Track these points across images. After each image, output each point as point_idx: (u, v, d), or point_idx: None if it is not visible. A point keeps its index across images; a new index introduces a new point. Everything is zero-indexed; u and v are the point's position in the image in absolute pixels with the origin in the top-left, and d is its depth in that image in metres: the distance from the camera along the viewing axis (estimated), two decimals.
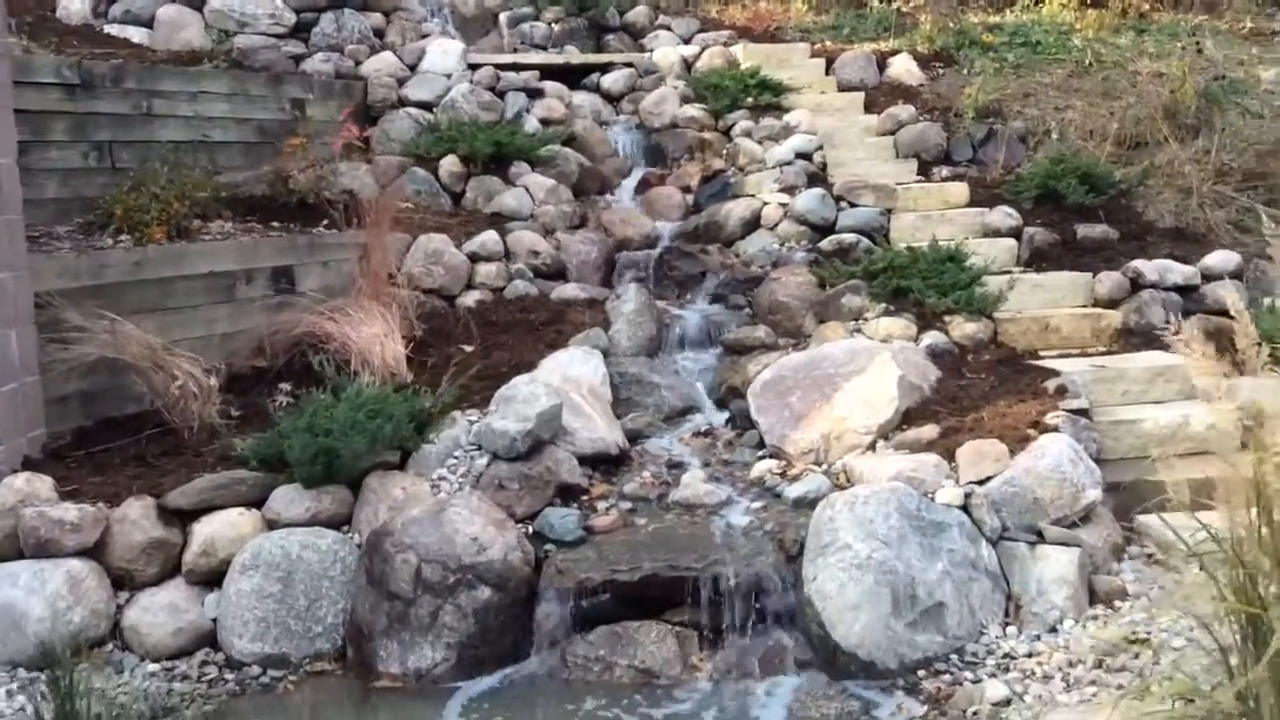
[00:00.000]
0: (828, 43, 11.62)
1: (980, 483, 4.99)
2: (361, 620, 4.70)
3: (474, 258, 7.69)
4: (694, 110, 9.89)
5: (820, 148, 9.21)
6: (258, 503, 5.07)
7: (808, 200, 8.16)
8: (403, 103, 9.65)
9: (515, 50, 11.80)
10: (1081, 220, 8.22)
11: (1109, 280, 7.17)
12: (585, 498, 5.27)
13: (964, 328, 6.77)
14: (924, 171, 9.29)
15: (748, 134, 9.50)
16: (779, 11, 13.22)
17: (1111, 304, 7.13)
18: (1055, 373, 6.09)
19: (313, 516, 5.00)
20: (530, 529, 5.02)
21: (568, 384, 5.75)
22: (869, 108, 10.07)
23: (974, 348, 6.72)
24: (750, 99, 9.90)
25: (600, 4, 11.94)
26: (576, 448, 5.44)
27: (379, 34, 10.62)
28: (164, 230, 6.42)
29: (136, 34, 9.80)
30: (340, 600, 4.83)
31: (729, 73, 10.22)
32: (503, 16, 12.28)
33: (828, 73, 10.72)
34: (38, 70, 7.07)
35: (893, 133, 9.61)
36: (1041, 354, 6.73)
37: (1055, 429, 5.38)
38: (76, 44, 8.82)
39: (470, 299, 7.56)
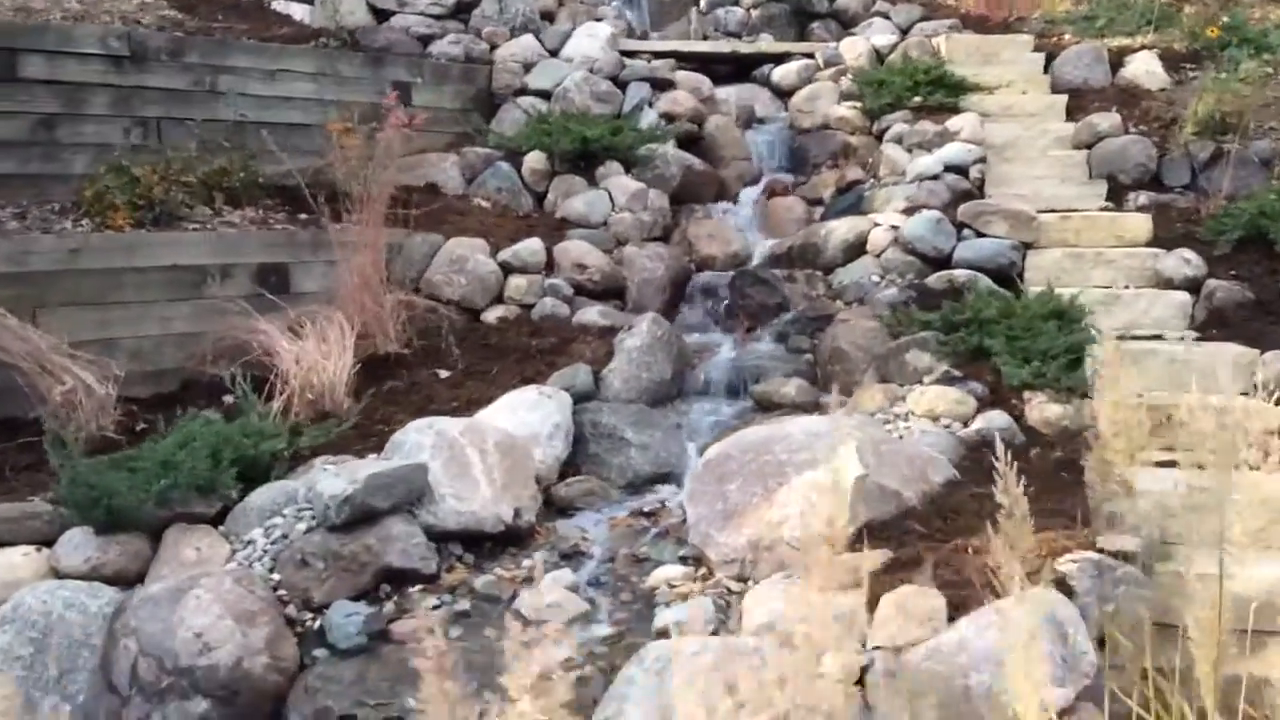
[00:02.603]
0: (1067, 35, 9.72)
1: (896, 650, 3.49)
2: (87, 711, 3.88)
3: (507, 268, 6.72)
4: (846, 110, 8.41)
5: (982, 160, 7.51)
6: (52, 542, 4.36)
7: (918, 225, 6.58)
8: (524, 91, 8.80)
9: (706, 38, 10.74)
10: None
11: (1277, 363, 5.18)
12: (420, 588, 4.18)
13: (1045, 410, 5.06)
14: (1116, 196, 7.39)
15: (898, 139, 7.93)
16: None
17: (1275, 396, 5.15)
18: (1130, 490, 4.35)
19: (93, 569, 4.20)
20: (319, 624, 4.01)
21: (469, 435, 4.67)
22: (1071, 114, 8.19)
23: (1053, 439, 5.00)
24: (918, 98, 8.28)
25: None
26: (436, 520, 4.36)
27: (548, 17, 9.83)
28: (128, 215, 5.88)
29: (299, 10, 9.47)
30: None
31: (900, 67, 8.64)
32: (703, 1, 11.25)
33: (1045, 70, 8.88)
34: (79, 40, 6.75)
35: (1089, 146, 7.74)
36: (1152, 457, 4.92)
37: (1062, 581, 3.75)
38: (221, 17, 8.58)
39: (495, 314, 6.59)
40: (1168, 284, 6.22)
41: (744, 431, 4.57)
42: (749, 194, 8.21)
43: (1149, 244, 6.61)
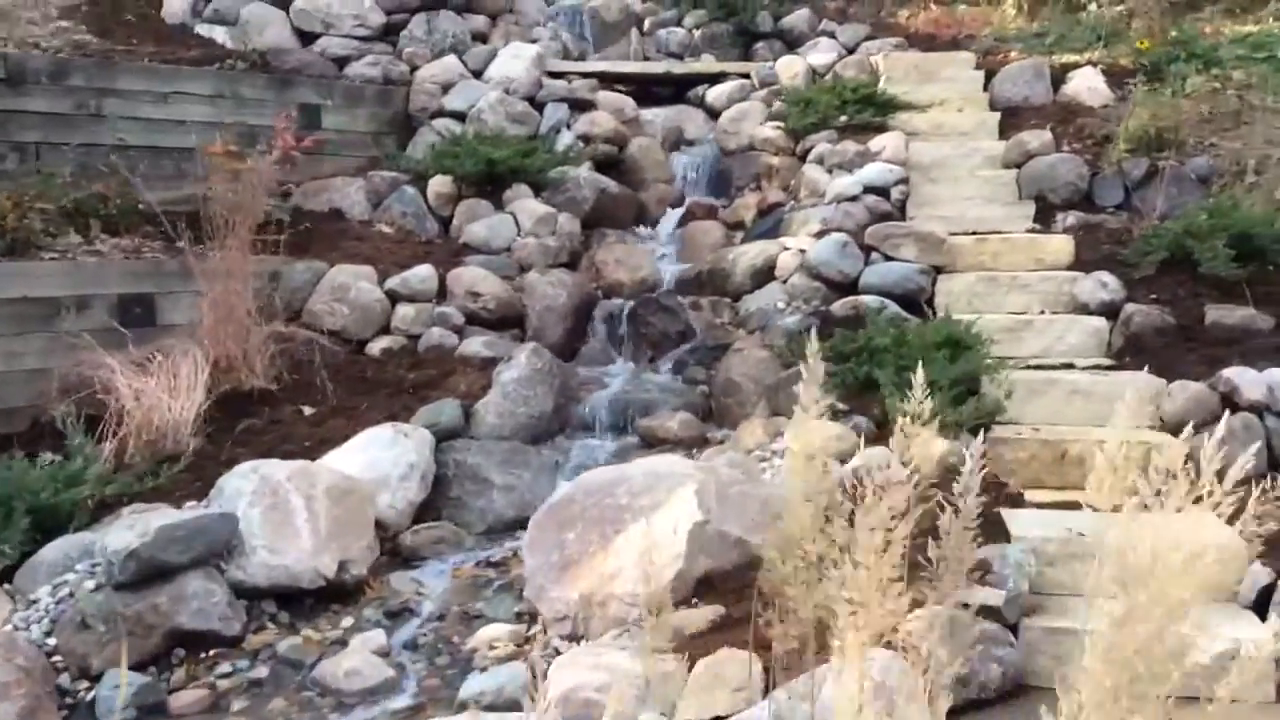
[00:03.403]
0: (1014, 53, 9.38)
1: None
2: None
3: (394, 296, 6.36)
4: (770, 130, 8.07)
5: (903, 180, 7.16)
6: None
7: (824, 249, 6.21)
8: (441, 113, 8.48)
9: (647, 59, 10.44)
10: (1221, 297, 5.78)
11: (1183, 394, 4.78)
12: (217, 652, 3.80)
13: (929, 447, 4.66)
14: (1044, 217, 7.02)
15: (820, 160, 7.58)
16: (983, 17, 11.02)
17: (1181, 430, 4.75)
18: (1006, 536, 3.99)
19: None
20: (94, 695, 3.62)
21: (296, 480, 4.30)
22: (1005, 132, 7.84)
23: (936, 478, 4.61)
24: (844, 117, 7.94)
25: (748, 8, 10.31)
26: (246, 576, 3.99)
27: (480, 39, 9.53)
28: None
29: (221, 33, 9.14)
30: None
31: (829, 86, 8.30)
32: (647, 22, 10.96)
33: (985, 88, 8.54)
34: None
35: (1019, 165, 7.39)
36: (1036, 499, 4.54)
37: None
38: (136, 41, 8.29)
39: (380, 345, 6.23)
40: (1084, 309, 5.85)
41: (591, 473, 4.19)
42: (670, 218, 7.86)
43: (1070, 267, 6.25)
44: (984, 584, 3.72)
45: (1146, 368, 5.18)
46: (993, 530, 4.08)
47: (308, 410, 5.50)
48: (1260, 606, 3.73)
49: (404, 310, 6.28)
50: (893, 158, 7.34)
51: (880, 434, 4.86)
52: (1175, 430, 4.71)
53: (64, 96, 6.86)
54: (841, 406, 5.00)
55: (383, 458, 4.74)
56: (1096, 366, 5.36)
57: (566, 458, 5.29)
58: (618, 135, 8.17)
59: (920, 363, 4.74)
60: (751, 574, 3.73)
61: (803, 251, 6.38)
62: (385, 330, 6.33)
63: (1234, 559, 3.69)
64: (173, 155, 7.13)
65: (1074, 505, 4.35)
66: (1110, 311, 5.76)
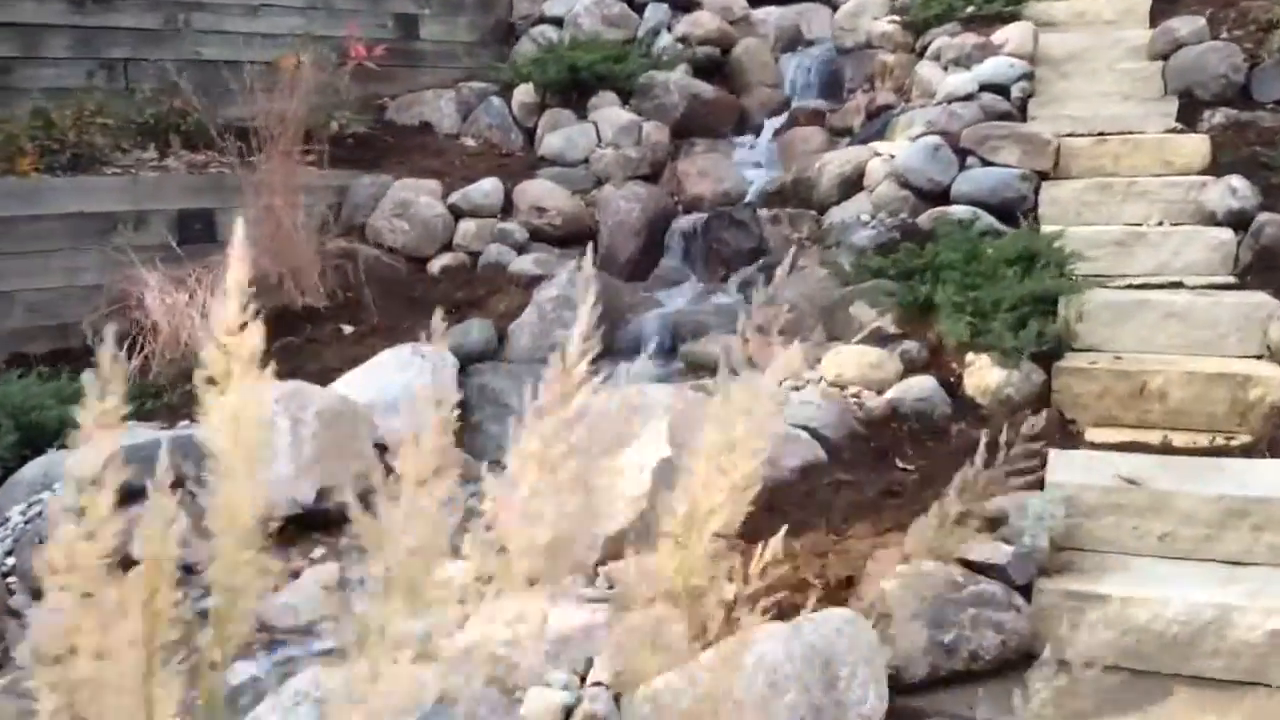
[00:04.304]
0: None
1: (616, 690, 2.75)
2: None
3: (457, 212, 6.11)
4: (888, 24, 7.36)
5: (1027, 76, 6.38)
6: None
7: (913, 154, 5.57)
8: (543, 19, 8.12)
9: None
10: None
11: None
12: (178, 579, 3.66)
13: (984, 376, 4.09)
14: (1190, 115, 6.12)
15: (937, 57, 6.85)
16: None
17: None
18: (1036, 480, 3.43)
19: None
20: None
21: (286, 402, 4.11)
22: (1157, 20, 6.89)
23: (989, 411, 4.04)
24: (971, 6, 7.15)
25: None
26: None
27: None
28: (36, 161, 5.56)
29: None
30: None
31: None
32: None
33: None
34: None
35: (1165, 56, 6.47)
36: (1101, 439, 3.90)
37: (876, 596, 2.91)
38: None
39: (441, 263, 6.01)
40: (1210, 219, 5.05)
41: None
42: (772, 125, 7.30)
43: (1205, 171, 5.40)
44: (998, 539, 3.19)
45: (1271, 289, 4.45)
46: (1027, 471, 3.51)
47: (348, 329, 5.33)
48: None
49: (465, 226, 6.03)
50: (1016, 51, 6.55)
51: (934, 361, 4.33)
52: None
53: (152, 10, 6.82)
54: (894, 330, 4.46)
55: (395, 380, 4.50)
56: (1211, 285, 4.60)
57: (608, 380, 4.91)
58: (722, 36, 7.62)
59: (991, 281, 4.21)
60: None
61: (893, 158, 5.75)
62: (448, 247, 6.09)
63: None
64: (260, 69, 7.01)
65: (1146, 447, 3.74)
66: (1241, 222, 4.95)
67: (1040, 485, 3.43)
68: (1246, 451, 3.67)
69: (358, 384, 4.50)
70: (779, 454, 3.58)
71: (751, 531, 3.14)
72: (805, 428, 3.81)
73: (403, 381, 4.55)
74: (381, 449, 4.35)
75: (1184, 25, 6.45)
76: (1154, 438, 3.84)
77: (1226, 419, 3.90)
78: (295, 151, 5.63)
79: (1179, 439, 3.83)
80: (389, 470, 3.71)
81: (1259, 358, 4.09)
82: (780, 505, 3.42)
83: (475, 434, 4.64)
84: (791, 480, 3.54)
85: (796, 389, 4.29)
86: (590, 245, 5.98)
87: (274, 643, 3.36)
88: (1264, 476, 3.37)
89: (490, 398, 4.69)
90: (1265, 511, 3.22)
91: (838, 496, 3.44)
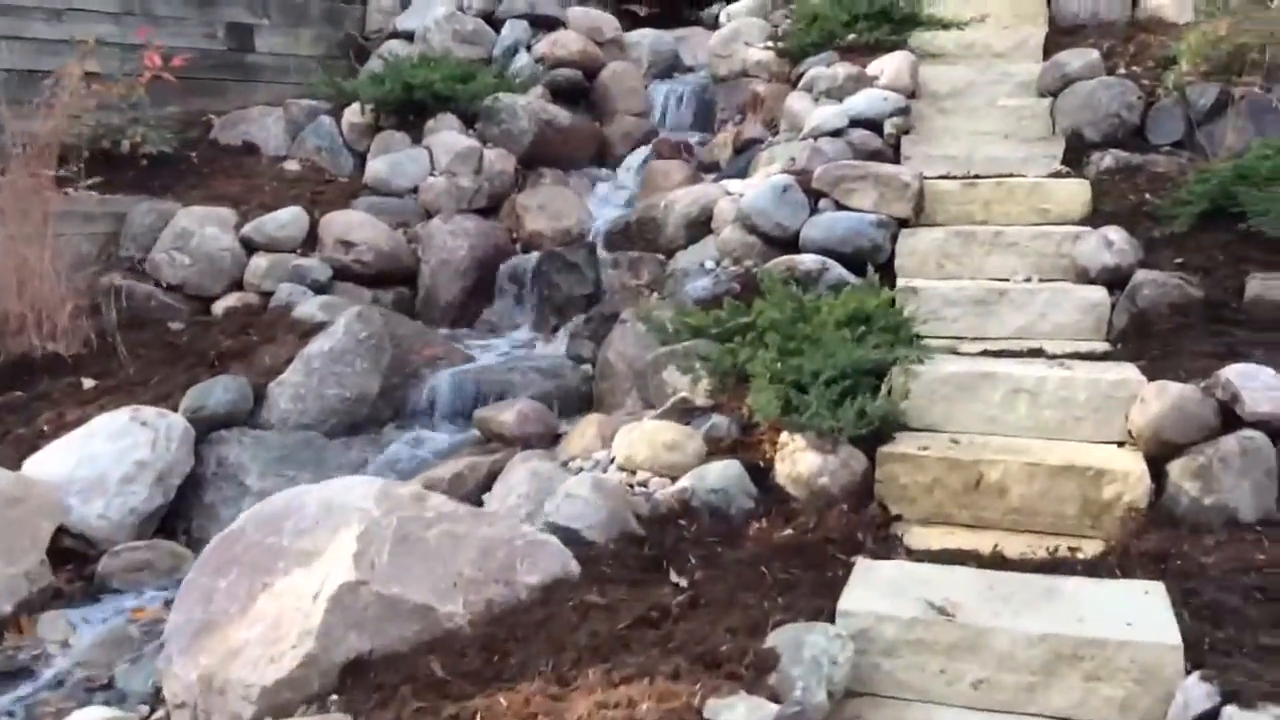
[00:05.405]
0: None
1: None
2: None
3: (250, 245, 5.35)
4: (763, 52, 6.73)
5: (901, 112, 5.77)
6: None
7: (761, 195, 4.90)
8: (395, 34, 7.42)
9: None
10: (1274, 264, 4.29)
11: (1161, 402, 3.31)
12: None
13: (799, 462, 3.39)
14: (1076, 158, 5.53)
15: (810, 88, 6.22)
16: None
17: (1160, 449, 3.31)
18: (830, 610, 2.73)
19: None
20: None
21: None
22: (1050, 53, 6.32)
23: (802, 505, 3.34)
24: (853, 34, 6.54)
25: None
26: None
27: None
28: None
29: None
30: None
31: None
32: None
33: (1050, 1, 7.03)
34: None
35: (1055, 93, 5.89)
36: (934, 542, 3.21)
37: None
38: None
39: (226, 304, 5.24)
40: (1083, 276, 4.42)
41: (273, 497, 3.06)
42: (637, 157, 6.63)
43: (1084, 220, 4.80)
44: (761, 689, 2.48)
45: (1144, 360, 3.81)
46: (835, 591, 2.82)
47: (89, 384, 4.54)
48: None
49: (257, 262, 5.27)
50: (892, 83, 5.94)
51: (745, 442, 3.63)
52: (1152, 449, 3.33)
53: None
54: (702, 402, 3.76)
55: (104, 453, 3.74)
56: (1075, 354, 3.95)
57: (382, 456, 4.18)
58: (587, 58, 6.96)
59: (816, 347, 3.53)
60: (430, 659, 2.61)
61: (742, 197, 5.08)
62: (238, 285, 5.32)
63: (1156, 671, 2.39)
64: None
65: (975, 557, 3.07)
66: (1116, 280, 4.32)
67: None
68: (1092, 568, 3.00)
69: (56, 458, 3.72)
70: (513, 568, 2.85)
71: (484, 675, 2.41)
72: (565, 528, 3.09)
73: (114, 454, 3.77)
74: (81, 539, 3.57)
75: (1075, 59, 5.89)
76: (988, 543, 3.16)
77: (1076, 521, 3.24)
78: (44, 174, 4.83)
79: (1015, 546, 3.16)
80: (77, 568, 2.94)
81: (1119, 444, 3.43)
82: (502, 641, 2.69)
83: (209, 518, 3.87)
84: (528, 604, 2.80)
85: (583, 469, 3.57)
86: (408, 286, 5.30)
87: None
88: (1105, 606, 2.70)
89: (229, 474, 3.92)
90: (1101, 657, 2.55)
91: (581, 626, 2.71)
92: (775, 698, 2.47)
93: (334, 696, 2.56)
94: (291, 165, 6.34)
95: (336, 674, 2.58)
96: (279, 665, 2.56)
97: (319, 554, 2.72)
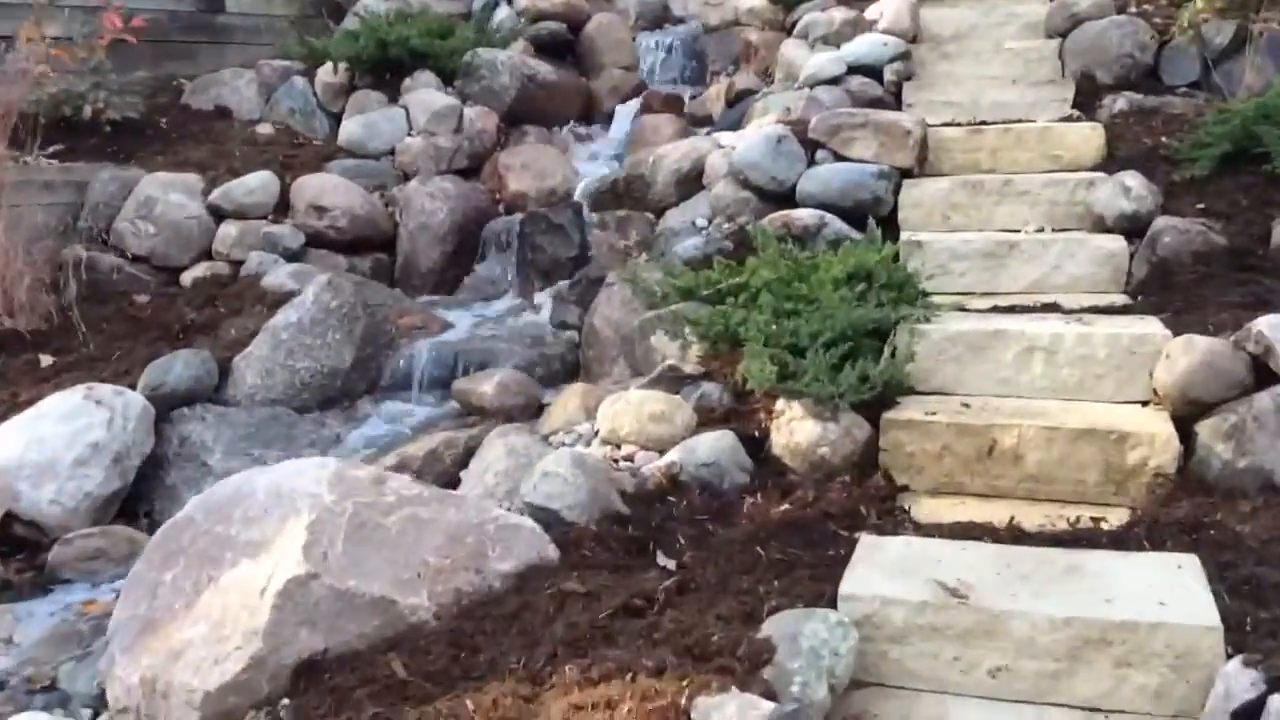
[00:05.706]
0: None
1: None
2: None
3: (218, 212, 5.08)
4: (755, 0, 6.42)
5: (902, 57, 5.49)
6: None
7: (754, 148, 4.62)
8: None
9: None
10: None
11: (1189, 356, 3.06)
12: None
13: (796, 431, 3.14)
14: (1088, 101, 5.25)
15: (805, 35, 5.92)
16: None
17: (1188, 409, 3.06)
18: (831, 593, 2.49)
19: None
20: None
21: None
22: None
23: (800, 478, 3.09)
24: None
25: None
26: None
27: None
28: None
29: None
30: None
31: None
32: None
33: None
34: None
35: (1064, 34, 5.59)
36: (945, 515, 2.96)
37: None
38: None
39: (196, 274, 4.99)
40: (1099, 224, 4.15)
41: (224, 481, 2.80)
42: (625, 111, 6.34)
43: (1098, 166, 4.52)
44: (755, 685, 2.23)
45: (1168, 313, 3.54)
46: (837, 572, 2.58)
47: (47, 361, 4.29)
48: None
49: (226, 230, 5.00)
50: (892, 27, 5.66)
51: (739, 411, 3.37)
52: (1179, 409, 3.07)
53: None
54: (692, 369, 3.50)
55: (55, 434, 3.49)
56: (1094, 308, 3.68)
57: (357, 431, 3.94)
58: (570, 10, 6.65)
59: (812, 307, 3.27)
60: (390, 656, 2.36)
61: (734, 150, 4.81)
62: (207, 254, 5.05)
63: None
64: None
65: (990, 531, 2.82)
66: (1135, 228, 4.05)
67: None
68: (1118, 540, 2.75)
69: (5, 441, 3.47)
70: (484, 555, 2.60)
71: (450, 675, 2.17)
72: (543, 509, 2.84)
73: (66, 436, 3.53)
74: (33, 526, 3.34)
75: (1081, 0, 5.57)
76: (1003, 515, 2.91)
77: (1099, 489, 2.99)
78: None
79: (1033, 517, 2.91)
80: (29, 558, 2.71)
81: (1143, 404, 3.18)
82: (471, 636, 2.44)
83: (171, 500, 3.62)
84: (501, 593, 2.56)
85: (565, 444, 3.33)
86: (386, 252, 5.04)
87: None
88: (1134, 583, 2.44)
89: (192, 453, 3.67)
90: (1132, 641, 2.30)
91: (558, 617, 2.46)
92: (770, 694, 2.23)
93: (285, 701, 2.32)
94: (264, 129, 6.06)
95: (287, 676, 2.34)
96: (223, 668, 2.32)
97: (267, 545, 2.47)
